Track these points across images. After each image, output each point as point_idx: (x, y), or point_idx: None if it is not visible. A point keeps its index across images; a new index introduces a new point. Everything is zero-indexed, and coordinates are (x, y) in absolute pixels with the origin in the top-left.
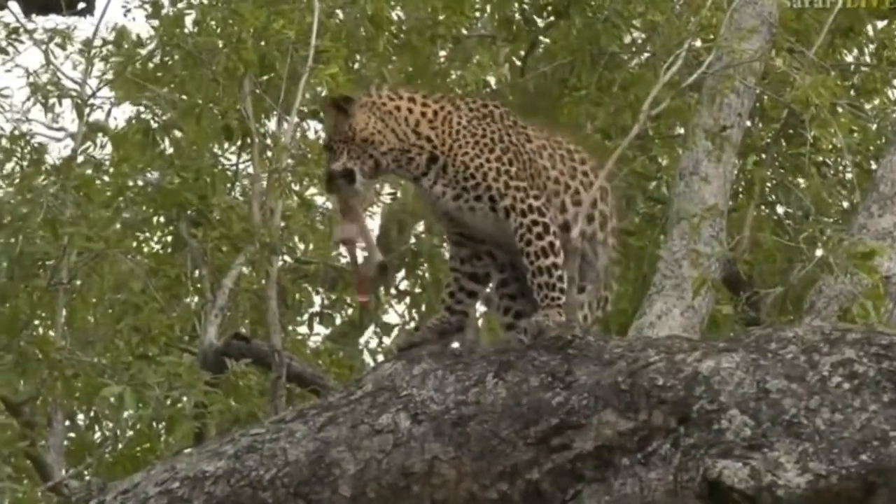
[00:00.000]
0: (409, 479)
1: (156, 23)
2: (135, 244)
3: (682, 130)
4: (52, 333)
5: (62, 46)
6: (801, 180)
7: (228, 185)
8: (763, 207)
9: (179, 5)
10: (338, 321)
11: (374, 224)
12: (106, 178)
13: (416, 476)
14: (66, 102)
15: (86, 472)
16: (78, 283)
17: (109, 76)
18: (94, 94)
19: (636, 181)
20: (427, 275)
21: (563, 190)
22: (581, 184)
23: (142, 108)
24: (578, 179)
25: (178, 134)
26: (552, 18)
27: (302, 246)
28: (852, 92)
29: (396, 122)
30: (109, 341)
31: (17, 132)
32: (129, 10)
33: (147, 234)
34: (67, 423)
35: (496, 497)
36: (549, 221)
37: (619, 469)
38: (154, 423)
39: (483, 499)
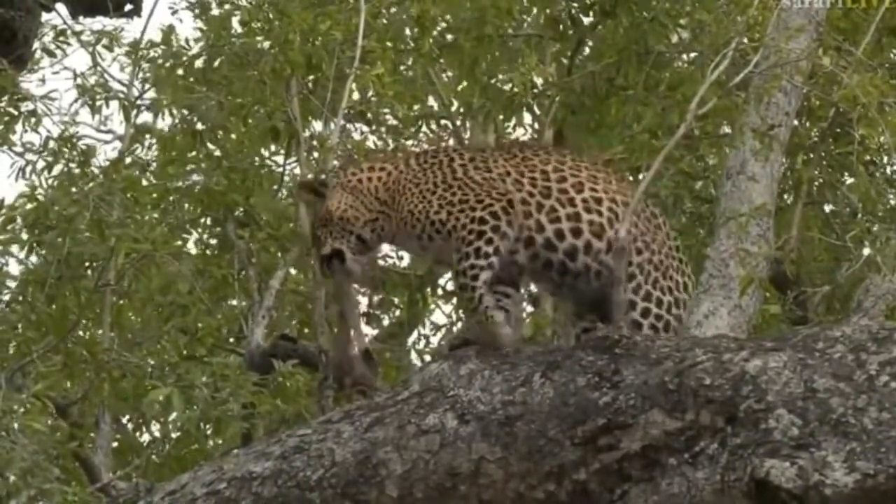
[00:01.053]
0: (455, 480)
1: (203, 24)
2: (181, 245)
3: (729, 130)
4: (99, 334)
5: (109, 48)
6: (848, 179)
7: (275, 186)
8: (810, 206)
9: (226, 7)
10: (385, 322)
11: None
12: (153, 180)
13: (462, 476)
14: (114, 104)
15: (133, 474)
16: (125, 284)
17: (156, 78)
18: (140, 96)
19: (683, 181)
20: None
21: (536, 209)
22: (558, 201)
23: (188, 111)
24: (555, 197)
25: (224, 136)
26: (599, 18)
27: None
28: None
29: (363, 194)
30: (156, 342)
31: (65, 134)
32: (175, 12)
33: (195, 235)
34: (114, 424)
35: (543, 497)
36: (484, 232)
37: (667, 469)
38: (201, 425)
39: (530, 499)
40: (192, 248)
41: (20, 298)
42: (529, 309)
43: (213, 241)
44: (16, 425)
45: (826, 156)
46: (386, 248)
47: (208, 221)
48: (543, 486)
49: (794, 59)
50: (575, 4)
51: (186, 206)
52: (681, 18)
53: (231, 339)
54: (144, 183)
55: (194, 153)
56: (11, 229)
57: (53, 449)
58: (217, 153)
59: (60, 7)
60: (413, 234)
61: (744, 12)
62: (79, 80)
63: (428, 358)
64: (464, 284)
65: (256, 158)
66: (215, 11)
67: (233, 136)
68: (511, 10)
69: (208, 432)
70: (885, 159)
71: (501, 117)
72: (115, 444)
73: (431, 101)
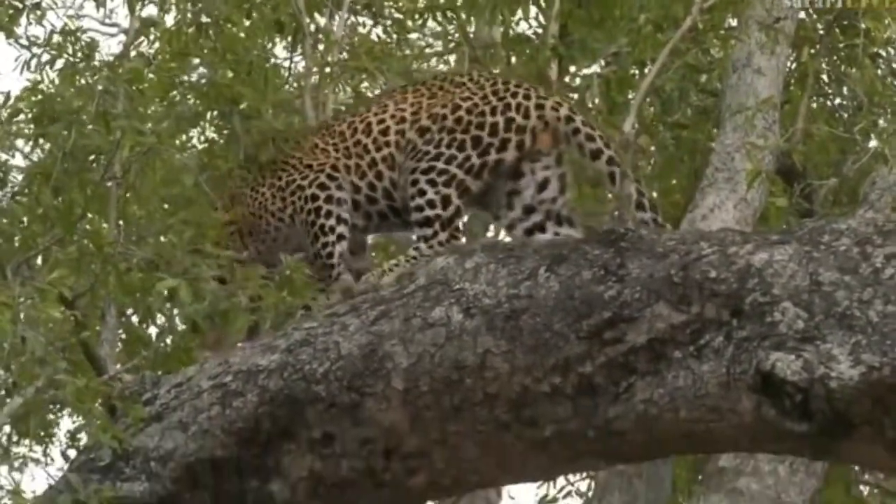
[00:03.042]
0: (461, 373)
1: None
2: (186, 138)
3: (735, 22)
4: (104, 227)
5: None
6: (854, 71)
7: (281, 81)
8: (816, 99)
9: None
10: None
11: None
12: (158, 73)
13: (468, 369)
14: None
15: (139, 367)
16: (131, 177)
17: None
18: None
19: (689, 74)
20: None
21: (346, 172)
22: (357, 156)
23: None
24: (354, 153)
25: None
26: None
27: None
28: None
29: (256, 206)
30: (161, 235)
31: (69, 28)
32: None
33: (200, 129)
34: (121, 318)
35: (549, 390)
36: (320, 208)
37: (672, 362)
38: (210, 318)
39: (535, 392)
40: (196, 142)
41: (26, 191)
42: None
43: (215, 136)
44: (22, 316)
45: (832, 48)
46: None
47: (214, 115)
48: (549, 380)
49: None
50: None
51: (192, 99)
52: None
53: None
54: (150, 76)
55: (199, 47)
56: (16, 123)
57: (61, 341)
58: (220, 46)
59: None
60: (260, 231)
61: None
62: None
63: None
64: (323, 264)
65: (260, 51)
66: None
67: (235, 30)
68: None
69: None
70: (891, 51)
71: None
72: (121, 337)
73: None
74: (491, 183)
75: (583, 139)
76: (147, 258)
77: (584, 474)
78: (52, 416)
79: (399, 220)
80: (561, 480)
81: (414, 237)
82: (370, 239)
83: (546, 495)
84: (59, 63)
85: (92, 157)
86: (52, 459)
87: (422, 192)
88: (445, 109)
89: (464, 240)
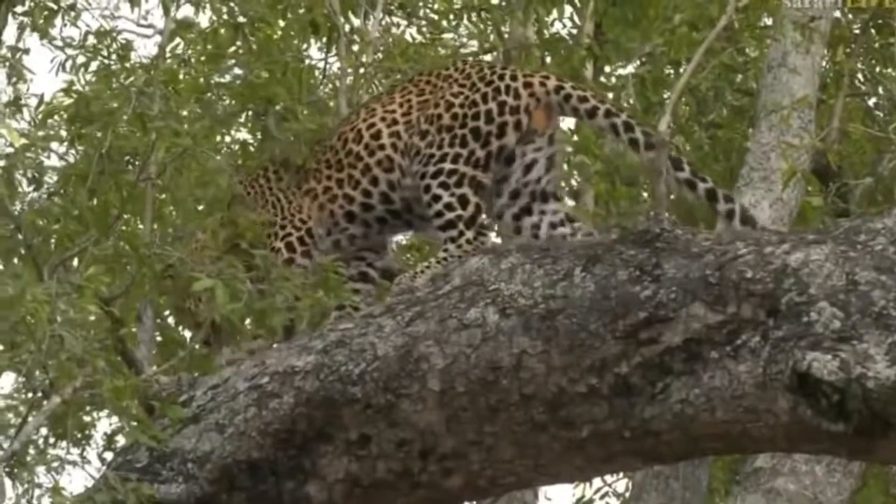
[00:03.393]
0: (497, 374)
1: None
2: (221, 139)
3: (770, 22)
4: (140, 229)
5: None
6: (890, 70)
7: (316, 82)
8: (852, 98)
9: None
10: None
11: None
12: (193, 73)
13: (504, 370)
14: None
15: (175, 368)
16: (166, 178)
17: None
18: None
19: (724, 73)
20: None
21: (338, 186)
22: (350, 165)
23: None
24: (346, 164)
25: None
26: None
27: None
28: None
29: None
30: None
31: (104, 29)
32: None
33: (234, 130)
34: (157, 319)
35: (585, 391)
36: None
37: (708, 362)
38: (245, 319)
39: (572, 393)
40: (231, 142)
41: (62, 192)
42: (570, 203)
43: (248, 137)
44: (59, 318)
45: (867, 47)
46: None
47: (249, 115)
48: (585, 380)
49: None
50: None
51: (227, 100)
52: None
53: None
54: (186, 76)
55: (235, 48)
56: (52, 124)
57: (98, 342)
58: (255, 47)
59: None
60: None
61: None
62: None
63: None
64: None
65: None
66: None
67: (270, 30)
68: None
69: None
70: None
71: (542, 10)
72: (157, 339)
73: None
74: (499, 171)
75: (576, 102)
76: (182, 258)
77: (621, 475)
78: (89, 418)
79: (399, 221)
80: (597, 481)
81: (441, 240)
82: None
83: (582, 496)
84: (94, 65)
85: (127, 158)
86: (89, 461)
87: (437, 198)
88: (439, 108)
89: (493, 235)
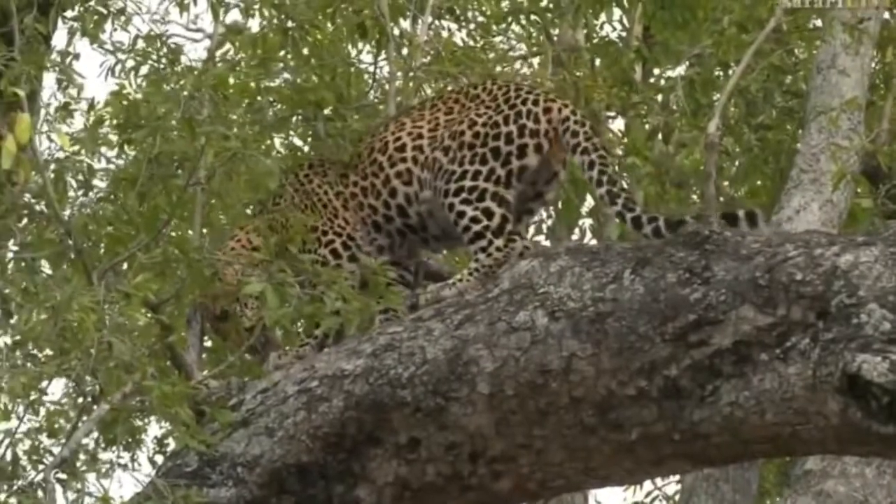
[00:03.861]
0: (546, 377)
1: None
2: (270, 143)
3: (819, 23)
4: (190, 233)
5: None
6: None
7: (365, 86)
8: None
9: None
10: None
11: None
12: (242, 78)
13: (553, 373)
14: (203, 3)
15: (225, 372)
16: (215, 183)
17: None
18: None
19: (774, 75)
20: None
21: (363, 195)
22: (373, 175)
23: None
24: (370, 173)
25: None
26: None
27: None
28: None
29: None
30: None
31: (153, 33)
32: None
33: (283, 135)
34: (206, 323)
35: (634, 393)
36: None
37: (758, 364)
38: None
39: (621, 395)
40: (280, 147)
41: (111, 197)
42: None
43: (298, 141)
44: (108, 324)
45: None
46: None
47: (298, 120)
48: (634, 383)
49: None
50: None
51: (276, 104)
52: None
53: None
54: (234, 81)
55: (284, 52)
56: (101, 128)
57: (146, 348)
58: (305, 51)
59: None
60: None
61: None
62: None
63: None
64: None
65: (343, 56)
66: None
67: (319, 34)
68: None
69: (298, 329)
70: None
71: (591, 13)
72: (206, 344)
73: None
74: (523, 189)
75: (569, 137)
76: (228, 262)
77: (671, 478)
78: (139, 423)
79: (416, 237)
80: (647, 484)
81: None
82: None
83: (633, 499)
84: (144, 69)
85: (177, 162)
86: (140, 465)
87: (461, 214)
88: (463, 126)
89: (522, 243)
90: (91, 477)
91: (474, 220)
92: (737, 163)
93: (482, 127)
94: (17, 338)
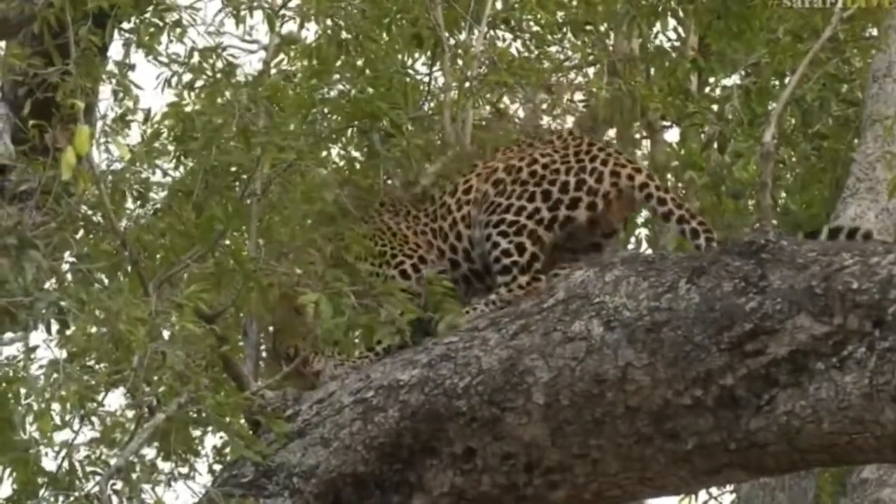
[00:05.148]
0: (602, 386)
1: None
2: (326, 155)
3: (875, 32)
4: (246, 244)
5: None
6: None
7: (421, 97)
8: None
9: None
10: None
11: None
12: (297, 89)
13: (609, 383)
14: (258, 14)
15: (281, 383)
16: (271, 194)
17: None
18: (284, 5)
19: (829, 84)
20: None
21: (432, 237)
22: (442, 218)
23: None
24: (439, 215)
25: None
26: None
27: None
28: None
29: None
30: (303, 252)
31: (207, 45)
32: None
33: (339, 146)
34: (262, 334)
35: (690, 403)
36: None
37: (814, 373)
38: (349, 332)
39: (677, 405)
40: (336, 158)
41: (168, 208)
42: None
43: (355, 153)
44: (166, 334)
45: None
46: None
47: (353, 131)
48: (690, 392)
49: None
50: None
51: (331, 115)
52: None
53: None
54: (290, 92)
55: (340, 63)
56: (159, 141)
57: (202, 358)
58: (360, 62)
59: None
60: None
61: None
62: None
63: None
64: None
65: (399, 67)
66: None
67: (374, 45)
68: None
69: (355, 340)
70: None
71: (646, 22)
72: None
73: (575, 8)
74: (564, 238)
75: (655, 203)
76: (288, 273)
77: (726, 487)
78: (197, 433)
79: (483, 285)
80: (703, 494)
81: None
82: None
83: None
84: (199, 81)
85: (233, 173)
86: (199, 473)
87: (496, 245)
88: (522, 163)
89: (543, 283)
90: (147, 487)
91: (506, 252)
92: (793, 172)
93: (542, 168)
94: (74, 349)
